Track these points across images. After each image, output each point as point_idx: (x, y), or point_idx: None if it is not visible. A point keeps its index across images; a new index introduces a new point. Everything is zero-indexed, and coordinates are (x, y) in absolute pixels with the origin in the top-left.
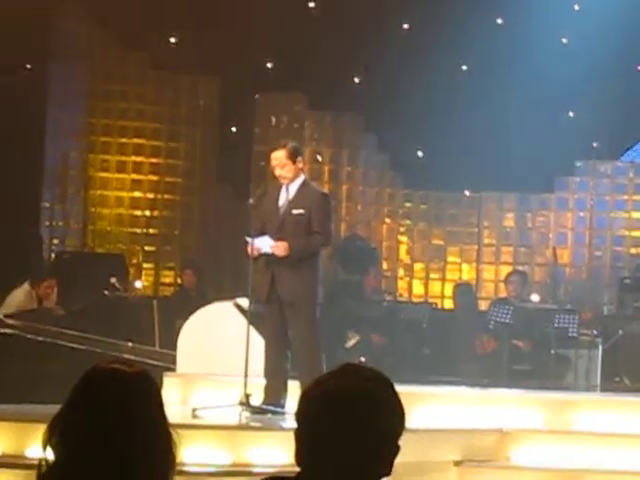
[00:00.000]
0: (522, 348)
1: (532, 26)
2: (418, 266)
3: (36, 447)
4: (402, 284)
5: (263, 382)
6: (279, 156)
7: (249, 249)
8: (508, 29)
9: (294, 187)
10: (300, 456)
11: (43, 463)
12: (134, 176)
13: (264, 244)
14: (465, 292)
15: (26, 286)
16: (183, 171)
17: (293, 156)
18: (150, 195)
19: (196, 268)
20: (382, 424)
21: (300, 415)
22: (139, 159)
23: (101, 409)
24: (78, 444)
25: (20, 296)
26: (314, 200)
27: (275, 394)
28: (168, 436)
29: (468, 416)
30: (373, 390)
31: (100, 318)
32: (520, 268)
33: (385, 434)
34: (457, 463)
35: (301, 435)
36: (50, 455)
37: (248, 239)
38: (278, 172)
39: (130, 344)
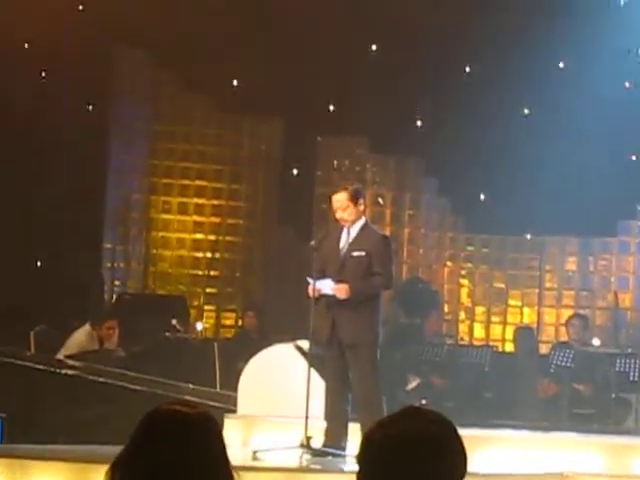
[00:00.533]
0: (583, 392)
1: (595, 70)
2: (479, 309)
3: None
4: (463, 327)
5: (324, 424)
6: (341, 198)
7: (310, 290)
8: (571, 73)
9: (355, 229)
10: None
11: None
12: (196, 218)
13: (325, 286)
14: (526, 335)
15: (87, 327)
16: (245, 213)
17: (355, 198)
18: (212, 237)
19: (257, 310)
20: (445, 467)
21: (362, 458)
22: (201, 201)
23: (163, 451)
24: None
25: (81, 337)
26: (375, 242)
27: (336, 436)
28: (230, 478)
29: (529, 460)
30: (436, 433)
31: (161, 360)
32: (581, 312)
33: (447, 478)
34: None
35: (363, 479)
36: None
37: (310, 280)
38: (339, 214)
39: (191, 386)
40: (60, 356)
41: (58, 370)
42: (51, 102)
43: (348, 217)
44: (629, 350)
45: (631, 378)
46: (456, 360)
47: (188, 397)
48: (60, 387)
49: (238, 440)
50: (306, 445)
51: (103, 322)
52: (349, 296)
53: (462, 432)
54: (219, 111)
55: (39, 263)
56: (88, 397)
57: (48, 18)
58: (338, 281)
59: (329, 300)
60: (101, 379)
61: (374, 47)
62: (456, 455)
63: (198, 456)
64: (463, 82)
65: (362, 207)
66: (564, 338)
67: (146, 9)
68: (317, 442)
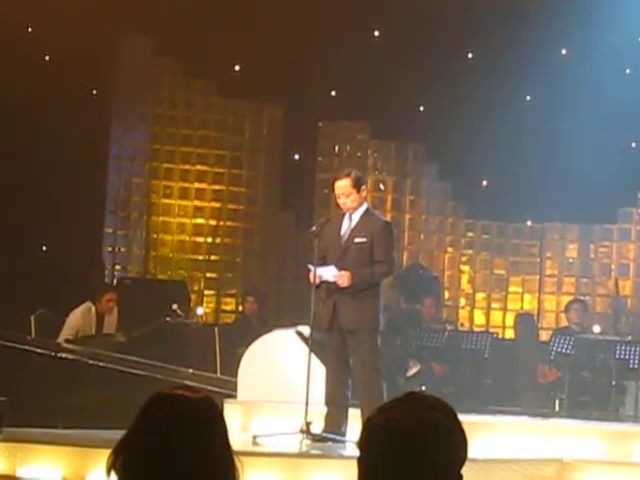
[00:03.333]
0: (588, 378)
1: (596, 57)
2: (480, 296)
3: (97, 472)
4: (463, 313)
5: (324, 410)
6: (344, 185)
7: (311, 276)
8: (572, 60)
9: (357, 215)
10: None
11: None
12: (197, 203)
13: (327, 273)
14: (526, 322)
15: (86, 304)
16: (246, 198)
17: (357, 185)
18: (212, 222)
19: (258, 295)
20: (445, 453)
21: (363, 444)
22: (202, 186)
23: (164, 435)
24: (141, 469)
25: (77, 315)
26: (376, 229)
27: (336, 422)
28: (231, 463)
29: (528, 446)
30: (437, 419)
31: (161, 344)
32: (581, 298)
33: (448, 463)
34: None
35: (364, 464)
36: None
37: (310, 266)
38: (342, 200)
39: (191, 371)
40: (60, 340)
41: (58, 354)
42: (54, 86)
43: (351, 204)
44: (629, 338)
45: (631, 365)
46: (456, 346)
47: (188, 382)
48: (60, 371)
49: (238, 425)
50: (306, 430)
51: (102, 295)
52: (351, 284)
53: (462, 418)
54: (220, 96)
55: (44, 248)
56: (88, 381)
57: (51, 2)
58: (340, 269)
59: (330, 286)
60: (101, 363)
61: (376, 32)
62: (457, 441)
63: (199, 441)
64: (465, 68)
65: (364, 193)
66: (564, 324)
67: None
68: (317, 427)
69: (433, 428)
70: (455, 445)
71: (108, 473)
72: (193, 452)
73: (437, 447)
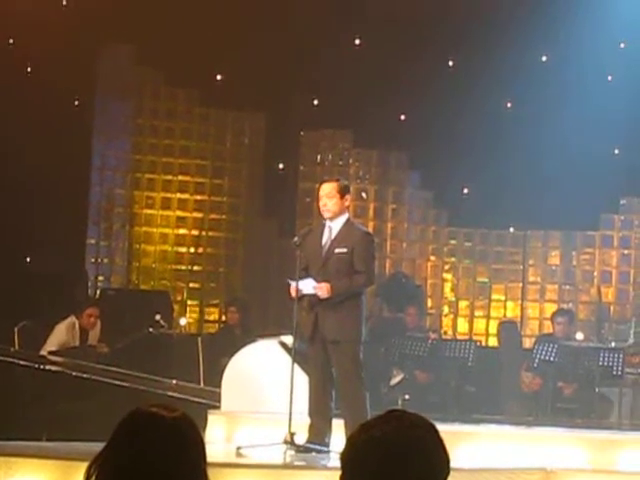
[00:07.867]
0: (565, 392)
1: (577, 63)
2: (463, 304)
3: None
4: (447, 321)
5: (307, 420)
6: (330, 187)
7: (291, 291)
8: (553, 66)
9: (337, 225)
10: None
11: None
12: (179, 213)
13: (307, 286)
14: (509, 330)
15: (69, 319)
16: (228, 208)
17: (342, 192)
18: (195, 232)
19: (240, 305)
20: (428, 471)
21: (346, 460)
22: (184, 196)
23: (135, 454)
24: None
25: (62, 330)
26: (357, 239)
27: (319, 433)
28: None
29: (512, 455)
30: (419, 437)
31: (145, 355)
32: (565, 306)
33: None
34: None
35: None
36: None
37: (290, 281)
38: (323, 202)
39: (175, 382)
40: (44, 352)
41: (42, 366)
42: (36, 98)
43: (331, 207)
44: (612, 344)
45: (614, 372)
46: (440, 354)
47: (171, 393)
48: (44, 383)
49: (222, 436)
50: (290, 441)
51: (83, 310)
52: (331, 295)
53: (445, 427)
54: (202, 106)
55: (27, 259)
56: (72, 393)
57: (32, 13)
58: (321, 279)
59: (312, 298)
60: (85, 375)
61: (357, 41)
62: (439, 458)
63: (170, 460)
64: (446, 76)
65: (347, 203)
66: (548, 331)
67: (129, 4)
68: (301, 438)
69: (415, 446)
70: (437, 463)
71: None
72: (164, 472)
73: (419, 465)
